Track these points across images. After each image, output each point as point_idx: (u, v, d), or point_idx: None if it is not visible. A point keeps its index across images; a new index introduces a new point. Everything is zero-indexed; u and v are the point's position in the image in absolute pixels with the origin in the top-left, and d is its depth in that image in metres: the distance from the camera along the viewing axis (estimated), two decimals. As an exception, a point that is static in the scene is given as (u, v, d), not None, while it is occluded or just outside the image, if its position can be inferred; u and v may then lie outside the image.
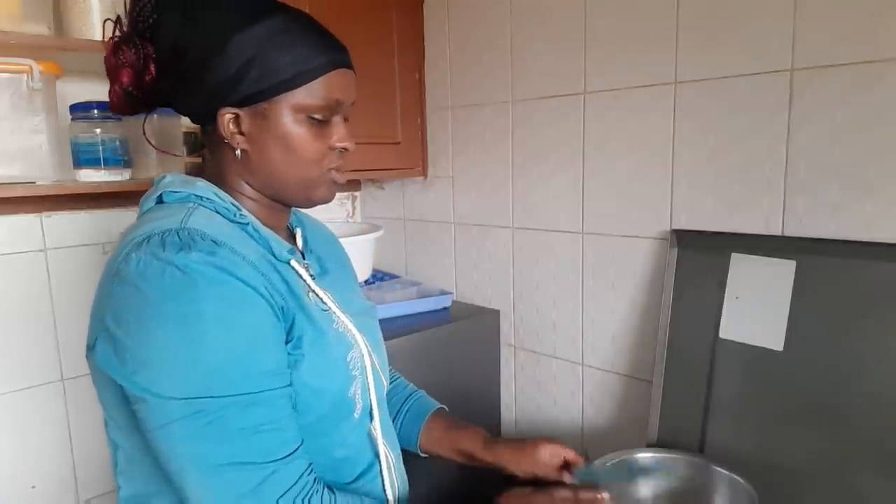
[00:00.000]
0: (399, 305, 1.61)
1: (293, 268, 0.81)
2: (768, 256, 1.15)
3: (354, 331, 0.85)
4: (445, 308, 1.69)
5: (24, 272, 1.40)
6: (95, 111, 1.31)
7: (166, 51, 0.78)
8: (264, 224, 0.82)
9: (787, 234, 1.15)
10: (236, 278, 0.69)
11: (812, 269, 1.10)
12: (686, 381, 1.24)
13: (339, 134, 0.81)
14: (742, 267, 1.19)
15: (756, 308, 1.16)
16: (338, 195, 2.04)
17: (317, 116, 0.78)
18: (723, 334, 1.20)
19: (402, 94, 1.73)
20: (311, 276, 0.83)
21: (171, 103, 0.83)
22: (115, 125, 1.33)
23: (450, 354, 1.57)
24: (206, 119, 0.80)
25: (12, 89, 1.19)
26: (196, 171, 0.86)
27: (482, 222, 1.71)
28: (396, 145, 1.74)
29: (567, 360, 1.55)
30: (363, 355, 0.84)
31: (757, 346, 1.15)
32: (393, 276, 1.90)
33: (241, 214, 0.79)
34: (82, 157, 1.31)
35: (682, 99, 1.26)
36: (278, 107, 0.77)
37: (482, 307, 1.72)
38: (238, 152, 0.79)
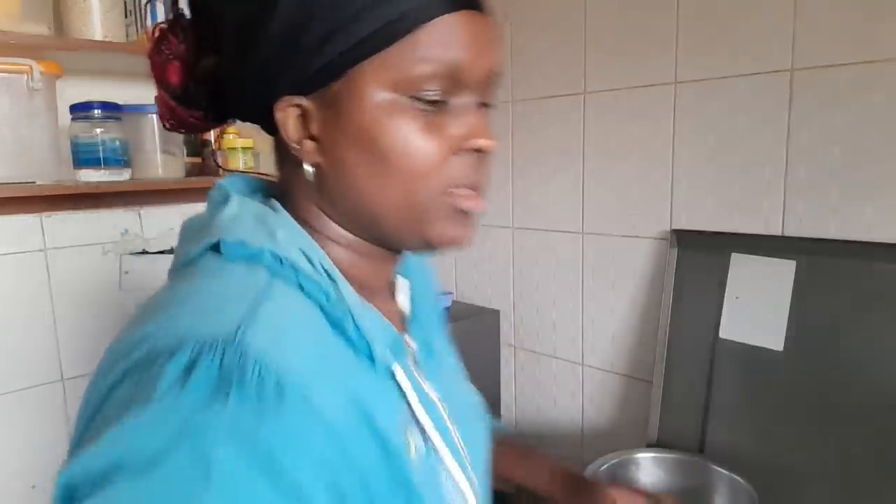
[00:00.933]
0: (399, 305, 1.61)
1: (397, 380, 0.50)
2: (768, 256, 1.15)
3: (468, 491, 0.53)
4: (445, 308, 1.68)
5: (24, 272, 1.40)
6: (96, 111, 1.31)
7: (208, 25, 0.52)
8: (358, 286, 0.50)
9: (787, 234, 1.15)
10: (283, 484, 0.38)
11: (812, 269, 1.10)
12: (686, 381, 1.24)
13: (470, 124, 0.48)
14: (742, 267, 1.19)
15: (756, 308, 1.16)
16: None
17: (428, 95, 0.46)
18: (723, 334, 1.20)
19: (402, 94, 1.72)
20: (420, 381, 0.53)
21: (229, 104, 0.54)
22: (115, 125, 1.33)
23: (450, 354, 1.57)
24: (267, 120, 0.50)
25: (12, 89, 1.19)
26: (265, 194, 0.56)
27: (482, 222, 1.71)
28: (396, 145, 1.74)
29: (567, 360, 1.55)
30: None
31: (757, 346, 1.15)
32: (393, 276, 1.89)
33: (337, 295, 0.47)
34: (82, 157, 1.31)
35: (682, 99, 1.26)
36: (358, 85, 0.46)
37: (482, 307, 1.72)
38: (310, 170, 0.49)
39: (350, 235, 0.52)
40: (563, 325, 1.55)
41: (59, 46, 1.23)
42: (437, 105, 0.47)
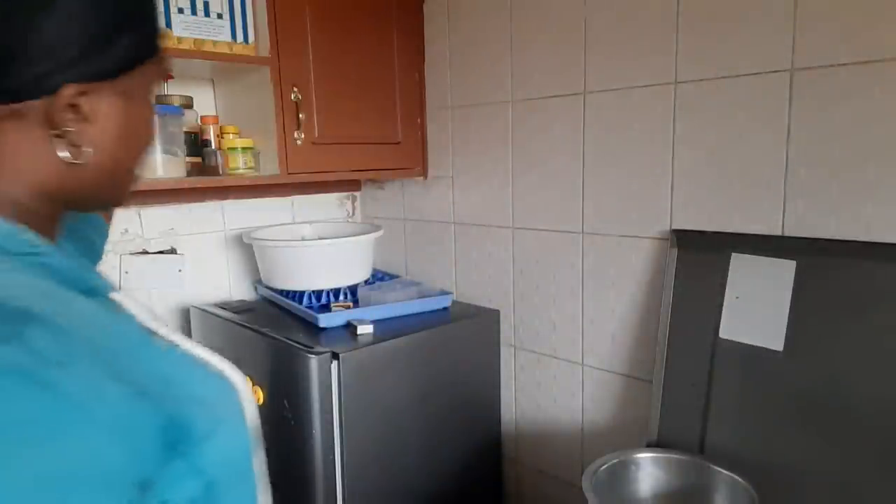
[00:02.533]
0: (399, 305, 1.61)
1: (119, 304, 0.56)
2: (768, 256, 1.15)
3: (230, 367, 0.60)
4: (445, 308, 1.69)
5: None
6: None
7: None
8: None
9: (787, 234, 1.15)
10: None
11: (812, 269, 1.10)
12: (686, 381, 1.24)
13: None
14: (742, 267, 1.19)
15: (756, 308, 1.16)
16: (337, 195, 2.05)
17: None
18: (723, 334, 1.20)
19: (402, 94, 1.73)
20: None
21: None
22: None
23: (450, 354, 1.57)
24: (12, 95, 0.51)
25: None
26: None
27: (482, 222, 1.71)
28: (396, 145, 1.74)
29: (567, 360, 1.55)
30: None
31: (757, 346, 1.15)
32: (393, 276, 1.90)
33: (27, 238, 0.51)
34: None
35: (682, 99, 1.26)
36: (141, 80, 0.58)
37: (482, 307, 1.72)
38: (83, 149, 0.54)
39: (48, 200, 0.55)
40: (563, 325, 1.55)
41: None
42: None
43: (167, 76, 0.63)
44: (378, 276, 1.87)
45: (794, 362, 1.11)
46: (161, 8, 1.31)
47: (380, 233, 1.73)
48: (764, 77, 1.14)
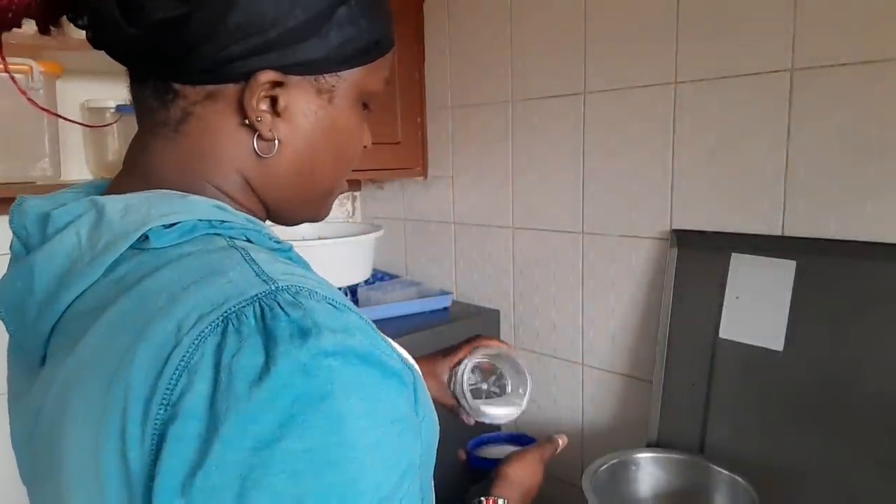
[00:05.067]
0: (399, 305, 1.61)
1: None
2: (768, 256, 1.15)
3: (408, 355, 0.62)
4: (445, 308, 1.68)
5: (24, 272, 1.40)
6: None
7: None
8: None
9: (787, 234, 1.15)
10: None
11: (812, 269, 1.10)
12: (686, 381, 1.24)
13: (368, 130, 0.61)
14: (742, 267, 1.19)
15: (756, 308, 1.16)
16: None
17: (371, 104, 0.58)
18: (723, 334, 1.20)
19: (402, 94, 1.73)
20: None
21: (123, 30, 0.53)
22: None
23: (450, 354, 1.57)
24: (213, 75, 0.50)
25: (12, 89, 1.19)
26: (137, 159, 0.55)
27: (482, 222, 1.71)
28: (396, 145, 1.74)
29: (567, 361, 1.55)
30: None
31: (757, 346, 1.15)
32: (393, 276, 1.90)
33: (276, 238, 0.53)
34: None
35: (682, 99, 1.26)
36: (352, 83, 0.54)
37: (482, 307, 1.72)
38: (274, 142, 0.52)
39: (255, 202, 0.56)
40: (563, 326, 1.55)
41: (59, 46, 1.23)
42: (367, 111, 0.59)
43: (383, 86, 0.58)
44: (378, 276, 1.87)
45: (794, 362, 1.11)
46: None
47: (380, 233, 1.73)
48: (764, 77, 1.14)
